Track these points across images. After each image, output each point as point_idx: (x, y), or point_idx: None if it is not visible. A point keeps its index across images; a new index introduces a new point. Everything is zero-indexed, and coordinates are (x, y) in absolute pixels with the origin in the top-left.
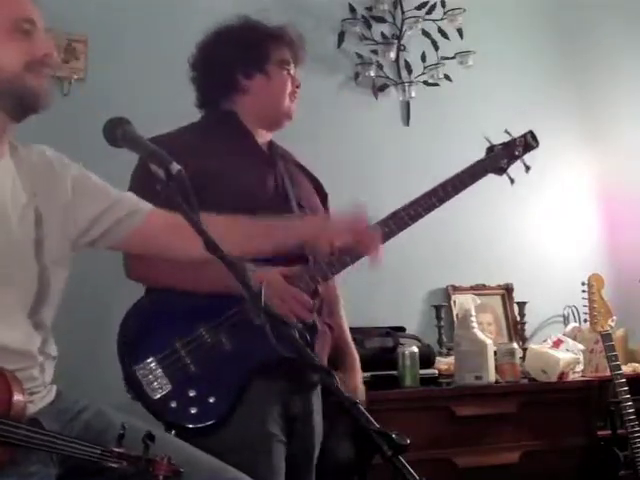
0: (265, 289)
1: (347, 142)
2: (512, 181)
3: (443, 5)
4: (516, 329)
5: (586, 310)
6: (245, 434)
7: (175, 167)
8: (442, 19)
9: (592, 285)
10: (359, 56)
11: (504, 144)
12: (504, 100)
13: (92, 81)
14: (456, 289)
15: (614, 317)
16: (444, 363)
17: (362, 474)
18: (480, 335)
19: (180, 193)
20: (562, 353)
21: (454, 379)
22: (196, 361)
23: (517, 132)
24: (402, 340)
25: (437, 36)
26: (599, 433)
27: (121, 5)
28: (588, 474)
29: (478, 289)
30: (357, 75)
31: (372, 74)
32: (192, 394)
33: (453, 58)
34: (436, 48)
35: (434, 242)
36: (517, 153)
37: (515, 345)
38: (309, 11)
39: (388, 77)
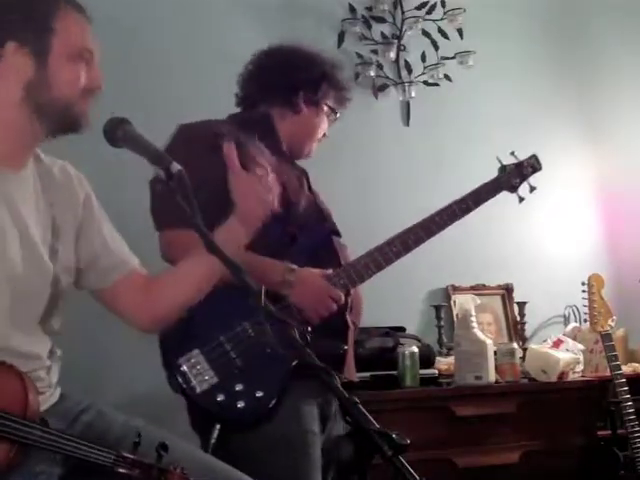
0: (302, 286)
1: (347, 142)
2: (521, 200)
3: (443, 5)
4: (516, 329)
5: (586, 310)
6: (287, 430)
7: (175, 167)
8: (442, 19)
9: (592, 285)
10: (359, 56)
11: (516, 165)
12: (504, 100)
13: None
14: (456, 289)
15: (614, 317)
16: (444, 363)
17: (362, 474)
18: (480, 335)
19: (180, 193)
20: (562, 353)
21: (454, 379)
22: (241, 355)
23: (517, 131)
24: (402, 340)
25: (437, 36)
26: (599, 433)
27: (121, 5)
28: (588, 474)
29: (478, 289)
30: (357, 75)
31: (372, 74)
32: (239, 388)
33: (453, 58)
34: (436, 48)
35: (434, 242)
36: (526, 173)
37: (515, 345)
38: (309, 11)
39: (388, 77)
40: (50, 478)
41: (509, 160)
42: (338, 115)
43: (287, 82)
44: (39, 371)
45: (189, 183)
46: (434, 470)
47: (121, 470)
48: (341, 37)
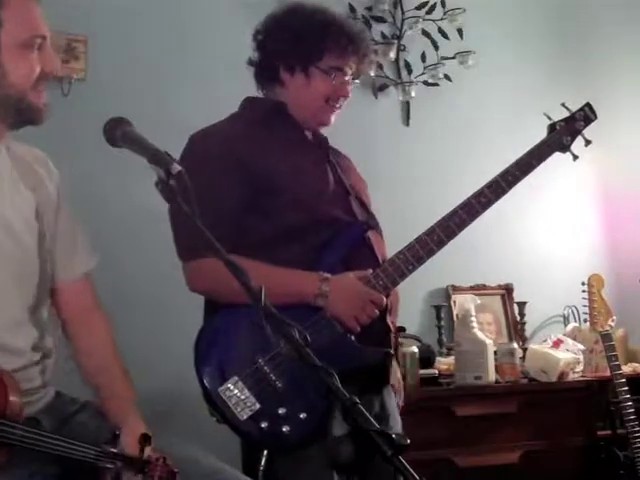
0: (339, 295)
1: (347, 142)
2: (575, 157)
3: (443, 5)
4: (516, 329)
5: (586, 310)
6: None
7: (176, 167)
8: (442, 19)
9: (592, 285)
10: None
11: (565, 120)
12: (504, 100)
13: (92, 81)
14: (456, 289)
15: (614, 317)
16: (444, 363)
17: (362, 474)
18: (480, 335)
19: (181, 193)
20: (562, 353)
21: (454, 379)
22: (281, 376)
23: (517, 130)
24: (402, 340)
25: (437, 36)
26: (599, 433)
27: (121, 5)
28: (588, 474)
29: (478, 289)
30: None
31: (372, 74)
32: (282, 412)
33: (453, 58)
34: (436, 48)
35: None
36: (579, 127)
37: (515, 345)
38: None
39: (388, 77)
40: (46, 478)
41: (560, 114)
42: (350, 72)
43: (269, 52)
44: (31, 369)
45: (189, 184)
46: (434, 470)
47: (104, 464)
48: None
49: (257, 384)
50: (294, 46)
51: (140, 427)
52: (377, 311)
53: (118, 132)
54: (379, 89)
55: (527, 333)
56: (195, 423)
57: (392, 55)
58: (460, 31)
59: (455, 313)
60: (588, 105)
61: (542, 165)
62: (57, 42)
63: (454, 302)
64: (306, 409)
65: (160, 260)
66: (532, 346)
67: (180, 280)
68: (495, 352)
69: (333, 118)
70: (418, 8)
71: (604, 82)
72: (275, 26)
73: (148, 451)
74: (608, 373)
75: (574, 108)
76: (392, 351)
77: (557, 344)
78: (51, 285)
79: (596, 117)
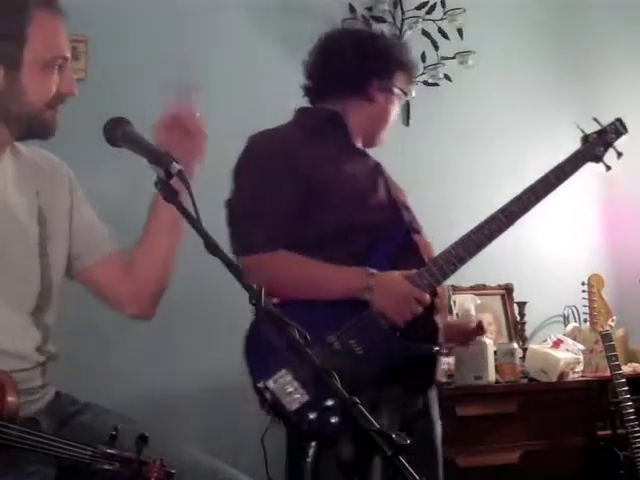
0: (383, 290)
1: None
2: (608, 168)
3: (443, 5)
4: (516, 329)
5: (586, 310)
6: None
7: (175, 167)
8: (442, 19)
9: (592, 285)
10: None
11: (598, 132)
12: (504, 100)
13: (92, 81)
14: (456, 289)
15: (614, 317)
16: (444, 363)
17: (362, 474)
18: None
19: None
20: (562, 353)
21: (454, 379)
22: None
23: (517, 130)
24: None
25: (437, 36)
26: (599, 433)
27: (121, 5)
28: (588, 474)
29: (478, 289)
30: None
31: None
32: (330, 403)
33: (453, 58)
34: (436, 48)
35: (434, 242)
36: (610, 140)
37: (515, 345)
38: (309, 11)
39: None
40: (44, 479)
41: (592, 128)
42: (408, 97)
43: (359, 72)
44: (31, 371)
45: (189, 184)
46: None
47: (102, 466)
48: None
49: (305, 376)
50: (393, 67)
51: None
52: (420, 308)
53: (118, 132)
54: None
55: (527, 333)
56: (195, 423)
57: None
58: (460, 31)
59: (455, 313)
60: (619, 120)
61: (542, 165)
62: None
63: (454, 302)
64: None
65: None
66: (532, 346)
67: (181, 278)
68: (495, 352)
69: (385, 137)
70: (418, 8)
71: (604, 82)
72: (325, 53)
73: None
74: (608, 373)
75: (573, 106)
76: (437, 349)
77: (557, 344)
78: (74, 275)
79: (626, 131)
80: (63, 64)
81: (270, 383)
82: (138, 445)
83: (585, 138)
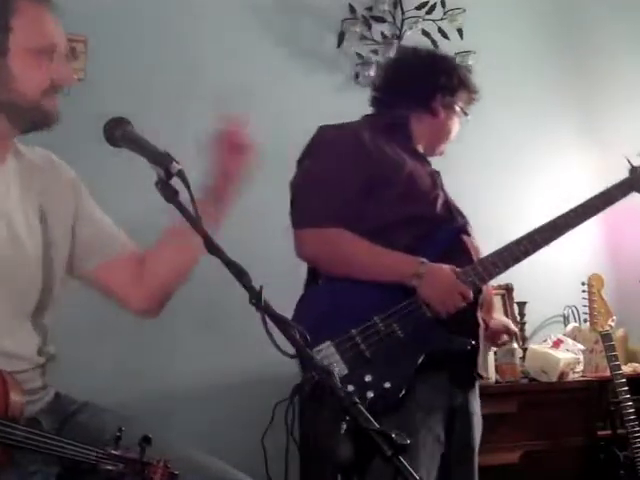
0: (431, 280)
1: None
2: None
3: (443, 5)
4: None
5: (586, 310)
6: (410, 423)
7: (175, 167)
8: (442, 19)
9: (592, 285)
10: (359, 56)
11: None
12: (504, 100)
13: (92, 81)
14: None
15: (614, 317)
16: None
17: (362, 474)
18: None
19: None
20: (562, 353)
21: None
22: (371, 347)
23: (517, 130)
24: None
25: (437, 36)
26: (599, 433)
27: (121, 5)
28: (588, 474)
29: None
30: (357, 75)
31: (372, 74)
32: (368, 379)
33: None
34: (436, 48)
35: None
36: None
37: (515, 345)
38: (309, 11)
39: None
40: (46, 477)
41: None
42: (469, 117)
43: (426, 87)
44: (32, 371)
45: (189, 183)
46: None
47: (105, 466)
48: (341, 37)
49: (347, 351)
50: (457, 86)
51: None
52: (463, 303)
53: (118, 132)
54: None
55: (527, 333)
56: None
57: (392, 55)
58: (460, 31)
59: None
60: None
61: (542, 166)
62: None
63: None
64: (391, 379)
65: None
66: (532, 346)
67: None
68: (495, 352)
69: (445, 149)
70: (418, 8)
71: (604, 82)
72: (393, 69)
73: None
74: (608, 373)
75: (573, 106)
76: (474, 343)
77: (557, 344)
78: (80, 274)
79: None
80: (55, 52)
81: (315, 352)
82: (141, 446)
83: (633, 170)
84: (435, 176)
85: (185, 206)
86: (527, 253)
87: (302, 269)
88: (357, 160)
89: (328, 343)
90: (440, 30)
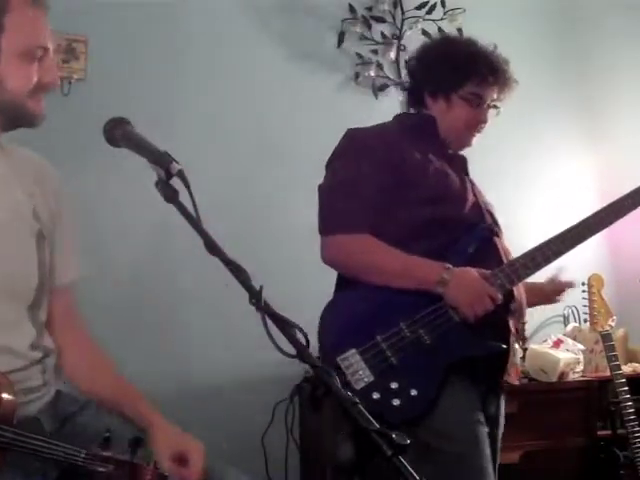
0: (458, 284)
1: None
2: None
3: (443, 5)
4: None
5: (586, 310)
6: (457, 424)
7: (175, 167)
8: (442, 19)
9: (592, 285)
10: (359, 56)
11: None
12: (504, 100)
13: (92, 81)
14: None
15: (614, 317)
16: None
17: (362, 474)
18: None
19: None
20: (562, 353)
21: None
22: (397, 354)
23: (517, 130)
24: None
25: (437, 36)
26: (599, 433)
27: (121, 5)
28: (588, 474)
29: None
30: (357, 75)
31: (372, 74)
32: (394, 386)
33: None
34: None
35: None
36: None
37: (515, 345)
38: (309, 11)
39: (388, 77)
40: (46, 477)
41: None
42: (501, 109)
43: (454, 77)
44: (28, 369)
45: (189, 183)
46: None
47: (96, 468)
48: (341, 37)
49: (373, 358)
50: (438, 74)
51: (169, 426)
52: (492, 306)
53: (118, 132)
54: (379, 89)
55: (527, 333)
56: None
57: (392, 55)
58: (460, 31)
59: None
60: None
61: (542, 166)
62: (57, 42)
63: None
64: (417, 387)
65: (165, 251)
66: (532, 346)
67: (179, 281)
68: None
69: (474, 140)
70: (418, 8)
71: (604, 82)
72: (423, 55)
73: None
74: (608, 373)
75: (573, 106)
76: (504, 347)
77: (557, 344)
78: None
79: None
80: (44, 55)
81: (339, 361)
82: (132, 447)
83: None
84: (464, 176)
85: (185, 206)
86: (559, 253)
87: (302, 270)
88: (383, 163)
89: (353, 351)
90: (440, 30)
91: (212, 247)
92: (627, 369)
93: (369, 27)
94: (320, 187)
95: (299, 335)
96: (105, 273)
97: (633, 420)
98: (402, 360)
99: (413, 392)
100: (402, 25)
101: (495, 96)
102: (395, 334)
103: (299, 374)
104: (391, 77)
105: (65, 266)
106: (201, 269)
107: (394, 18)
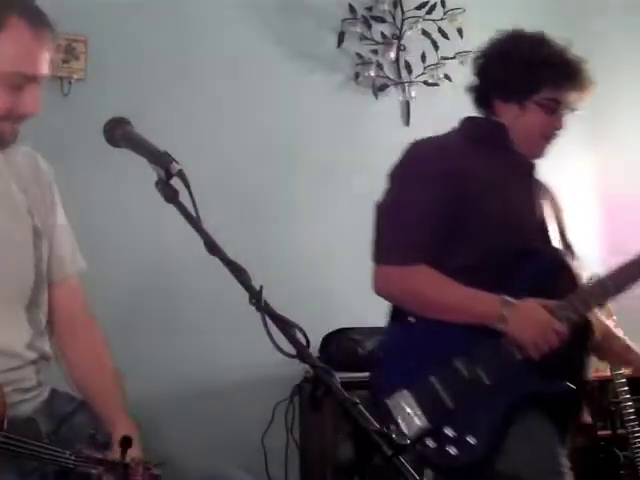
0: (520, 319)
1: (347, 142)
2: None
3: (443, 5)
4: None
5: None
6: (539, 471)
7: (175, 167)
8: (442, 19)
9: None
10: (359, 56)
11: None
12: None
13: (92, 81)
14: None
15: (614, 317)
16: None
17: (362, 474)
18: None
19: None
20: None
21: None
22: (452, 396)
23: None
24: None
25: (437, 36)
26: (599, 433)
27: (121, 5)
28: (588, 474)
29: None
30: (357, 75)
31: (372, 74)
32: (449, 432)
33: (453, 58)
34: (436, 48)
35: None
36: None
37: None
38: (309, 11)
39: (388, 77)
40: (44, 476)
41: None
42: (577, 111)
43: (530, 80)
44: (23, 369)
45: (189, 183)
46: None
47: (85, 469)
48: (341, 37)
49: (426, 400)
50: (511, 78)
51: (130, 431)
52: (558, 341)
53: (118, 132)
54: (379, 89)
55: None
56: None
57: (392, 55)
58: (460, 31)
59: None
60: None
61: (542, 166)
62: (57, 42)
63: None
64: (475, 433)
65: (165, 251)
66: None
67: (179, 281)
68: None
69: (548, 149)
70: (418, 8)
71: (604, 82)
72: (494, 54)
73: (131, 454)
74: (608, 373)
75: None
76: (573, 387)
77: None
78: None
79: None
80: (27, 84)
81: (389, 403)
82: (122, 448)
83: None
84: (536, 193)
85: (185, 206)
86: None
87: (303, 269)
88: (442, 185)
89: (405, 392)
90: (440, 30)
91: (212, 247)
92: (627, 369)
93: (369, 27)
94: (378, 208)
95: (299, 335)
96: (105, 273)
97: (633, 420)
98: (459, 403)
99: (471, 440)
100: (402, 25)
101: (573, 100)
102: (451, 374)
103: (299, 374)
104: (391, 77)
105: (62, 259)
106: (201, 268)
107: (394, 18)
